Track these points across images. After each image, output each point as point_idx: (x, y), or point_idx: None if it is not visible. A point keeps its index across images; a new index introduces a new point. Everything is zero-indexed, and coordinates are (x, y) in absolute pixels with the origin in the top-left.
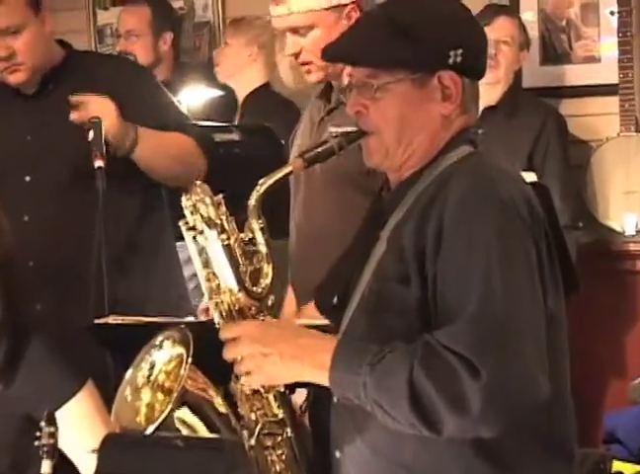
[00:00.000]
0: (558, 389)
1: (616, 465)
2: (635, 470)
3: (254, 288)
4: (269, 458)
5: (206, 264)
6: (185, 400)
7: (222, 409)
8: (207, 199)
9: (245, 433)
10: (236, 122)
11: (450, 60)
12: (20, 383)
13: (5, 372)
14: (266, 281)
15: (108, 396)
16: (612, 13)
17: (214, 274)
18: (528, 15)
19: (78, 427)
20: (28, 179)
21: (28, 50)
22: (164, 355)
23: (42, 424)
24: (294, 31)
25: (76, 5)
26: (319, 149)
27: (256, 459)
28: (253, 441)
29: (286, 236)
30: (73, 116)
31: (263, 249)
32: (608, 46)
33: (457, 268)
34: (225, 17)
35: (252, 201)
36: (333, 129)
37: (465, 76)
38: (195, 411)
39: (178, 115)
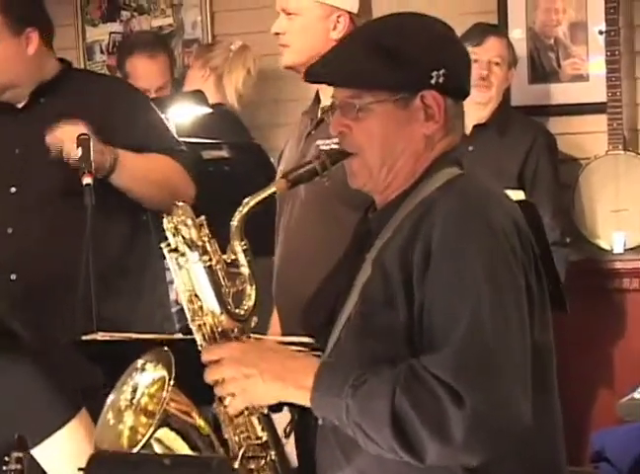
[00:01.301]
0: (547, 418)
1: None
2: None
3: (236, 310)
4: None
5: (189, 286)
6: (167, 422)
7: (205, 431)
8: (189, 221)
9: (229, 455)
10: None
11: (433, 80)
12: (6, 407)
13: None
14: (249, 303)
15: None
16: (601, 32)
17: (197, 295)
18: (517, 33)
19: (68, 456)
20: (13, 190)
21: None
22: (146, 377)
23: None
24: (285, 11)
25: (65, 22)
26: (302, 170)
27: None
28: (236, 465)
29: (271, 253)
30: (52, 154)
31: (245, 270)
32: (596, 65)
33: (445, 296)
34: (214, 34)
35: (234, 222)
36: (320, 142)
37: (448, 96)
38: (178, 433)
39: (168, 138)
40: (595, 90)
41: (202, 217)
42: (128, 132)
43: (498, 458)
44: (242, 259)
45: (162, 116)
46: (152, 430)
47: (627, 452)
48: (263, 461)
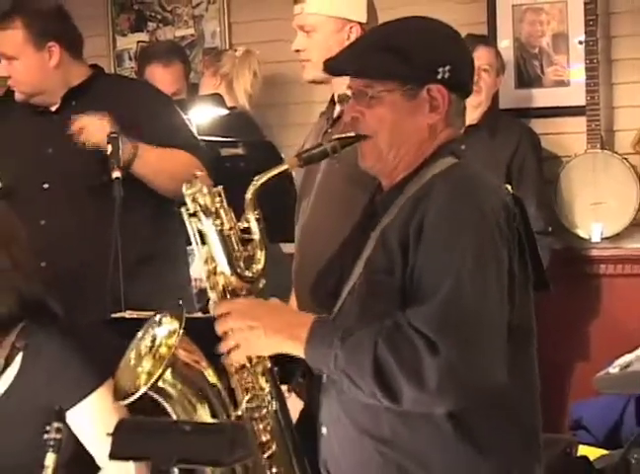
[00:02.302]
0: (524, 381)
1: (582, 450)
2: (600, 454)
3: (246, 272)
4: (255, 428)
5: (205, 248)
6: (178, 369)
7: (213, 380)
8: (205, 190)
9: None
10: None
11: (439, 75)
12: (43, 376)
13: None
14: (257, 266)
15: None
16: (580, 42)
17: (212, 258)
18: (505, 43)
19: (96, 420)
20: (46, 186)
21: (19, 77)
22: (163, 329)
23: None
24: (302, 28)
25: (98, 32)
26: (314, 151)
27: None
28: (240, 412)
29: (287, 239)
30: (79, 140)
31: (256, 237)
32: (576, 72)
33: (434, 261)
34: (232, 43)
35: (248, 194)
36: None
37: (453, 91)
38: (186, 378)
39: (188, 136)
40: (575, 94)
41: (220, 187)
42: (153, 131)
43: (480, 415)
44: (254, 227)
45: (184, 116)
46: (161, 370)
47: (602, 421)
48: (265, 410)
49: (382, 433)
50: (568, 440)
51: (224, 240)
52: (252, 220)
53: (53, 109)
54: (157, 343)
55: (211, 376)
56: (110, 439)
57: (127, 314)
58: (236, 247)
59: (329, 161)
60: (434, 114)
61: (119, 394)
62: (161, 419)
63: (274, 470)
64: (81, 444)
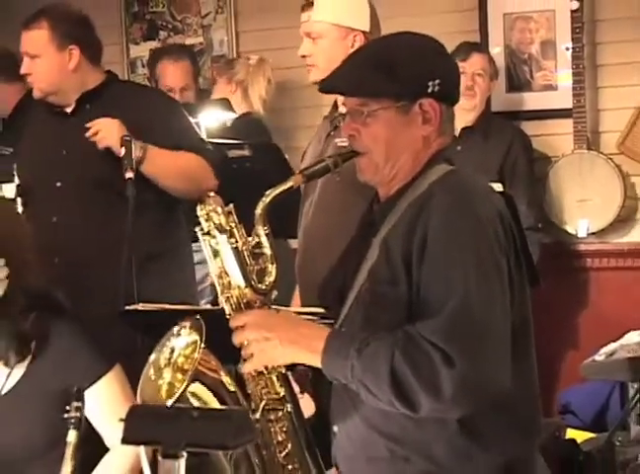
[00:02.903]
0: (525, 381)
1: (570, 433)
2: (587, 437)
3: (259, 285)
4: (271, 430)
5: (219, 264)
6: (198, 378)
7: (231, 387)
8: (219, 209)
9: (251, 407)
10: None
11: (429, 89)
12: (55, 363)
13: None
14: (270, 279)
15: (138, 371)
16: (567, 48)
17: (226, 272)
18: (496, 50)
19: (105, 403)
20: (59, 184)
21: (38, 74)
22: (182, 341)
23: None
24: (309, 35)
25: (112, 40)
26: (316, 167)
27: (260, 431)
28: (258, 415)
29: (290, 236)
30: (99, 145)
31: (267, 251)
32: (564, 77)
33: (439, 274)
34: (239, 51)
35: (258, 210)
36: (338, 140)
37: (443, 102)
38: (208, 387)
39: (196, 140)
40: (562, 98)
41: (231, 206)
42: (163, 134)
43: (483, 413)
44: (265, 241)
45: (192, 120)
46: (185, 384)
47: (589, 406)
48: (280, 413)
49: (392, 430)
50: (557, 424)
51: (238, 255)
52: (262, 235)
53: (69, 111)
54: (176, 354)
55: (230, 384)
56: (119, 422)
57: (140, 306)
58: (249, 261)
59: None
60: (427, 125)
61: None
62: (169, 406)
63: (289, 467)
64: (92, 426)
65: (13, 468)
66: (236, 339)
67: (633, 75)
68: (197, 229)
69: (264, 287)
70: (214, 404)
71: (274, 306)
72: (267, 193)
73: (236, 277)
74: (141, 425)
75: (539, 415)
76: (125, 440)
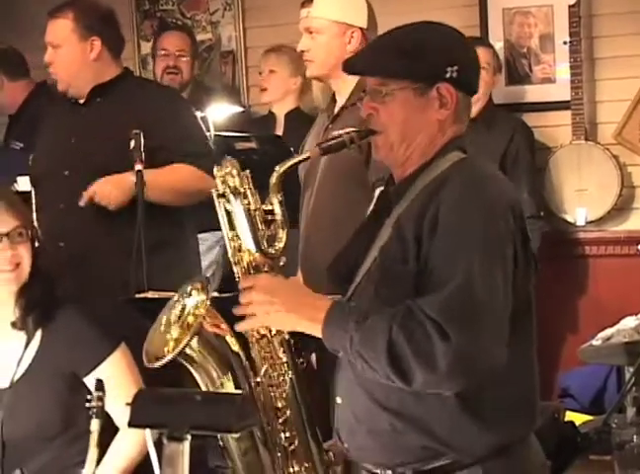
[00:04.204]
0: (527, 364)
1: (569, 415)
2: (585, 419)
3: (269, 249)
4: (272, 395)
5: (232, 227)
6: (203, 335)
7: (235, 348)
8: (234, 172)
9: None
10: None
11: (448, 75)
12: (63, 346)
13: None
14: (279, 245)
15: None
16: (565, 42)
17: (237, 236)
18: (496, 44)
19: (112, 383)
20: (66, 173)
21: (60, 64)
22: (193, 300)
23: (93, 389)
24: (308, 31)
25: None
26: (333, 141)
27: (261, 394)
28: (259, 379)
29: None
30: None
31: (279, 218)
32: (562, 70)
33: (447, 253)
34: (247, 47)
35: (273, 179)
36: (336, 133)
37: (460, 90)
38: (211, 346)
39: (199, 145)
40: (561, 90)
41: (247, 171)
42: (168, 137)
43: (482, 392)
44: (277, 209)
45: (200, 121)
46: (188, 338)
47: (587, 389)
48: (282, 379)
49: (393, 405)
50: (556, 407)
51: (251, 219)
52: (276, 203)
53: (82, 101)
54: (186, 312)
55: (234, 345)
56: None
57: (150, 294)
58: (260, 226)
59: (328, 157)
60: (443, 110)
61: (148, 358)
62: (175, 390)
63: (287, 434)
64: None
65: (26, 450)
66: (243, 298)
67: (629, 68)
68: (212, 190)
69: (273, 252)
70: (214, 360)
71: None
72: (281, 163)
73: (247, 241)
74: (147, 409)
75: (537, 398)
76: (132, 424)
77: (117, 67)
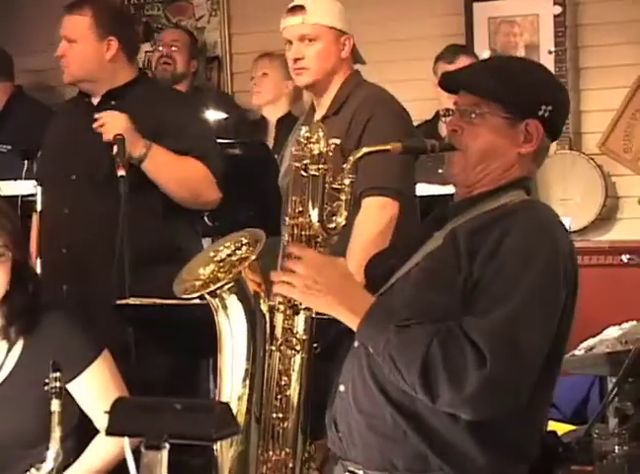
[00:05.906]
0: (544, 406)
1: (551, 425)
2: (567, 429)
3: (329, 223)
4: (279, 367)
5: (302, 192)
6: (240, 282)
7: (264, 308)
8: (322, 134)
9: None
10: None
11: (540, 113)
12: (45, 352)
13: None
14: (338, 220)
15: (127, 364)
16: (550, 52)
17: (302, 201)
18: (482, 53)
19: (95, 390)
20: (73, 177)
21: (73, 58)
22: (243, 250)
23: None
24: (302, 39)
25: None
26: (416, 144)
27: (270, 365)
28: (274, 347)
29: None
30: (104, 137)
31: (345, 197)
32: None
33: (501, 280)
34: (232, 53)
35: (351, 159)
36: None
37: (546, 130)
38: (242, 298)
39: (208, 148)
40: None
41: (337, 141)
42: (178, 140)
43: (494, 425)
44: (347, 189)
45: (208, 123)
46: (224, 281)
47: (570, 399)
48: (294, 356)
49: (403, 400)
50: None
51: (321, 189)
52: (347, 183)
53: (95, 103)
54: (233, 258)
55: (265, 304)
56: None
57: (132, 300)
58: (326, 199)
59: None
60: (527, 145)
61: (180, 288)
62: (153, 398)
63: (279, 414)
64: (85, 414)
65: (7, 457)
66: (288, 264)
67: (614, 78)
68: (293, 149)
69: (333, 226)
70: (239, 311)
71: None
72: (360, 149)
73: (311, 209)
74: (125, 416)
75: (536, 447)
76: (109, 432)
77: (132, 69)
